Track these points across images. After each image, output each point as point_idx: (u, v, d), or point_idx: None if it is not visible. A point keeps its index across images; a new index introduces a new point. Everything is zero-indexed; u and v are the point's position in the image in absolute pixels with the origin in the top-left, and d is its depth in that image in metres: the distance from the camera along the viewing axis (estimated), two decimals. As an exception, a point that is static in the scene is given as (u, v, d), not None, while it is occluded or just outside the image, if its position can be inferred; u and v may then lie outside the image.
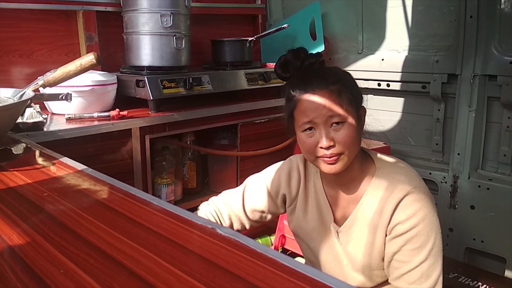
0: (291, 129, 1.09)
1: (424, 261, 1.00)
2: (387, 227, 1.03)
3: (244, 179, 1.29)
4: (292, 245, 2.00)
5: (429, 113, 2.14)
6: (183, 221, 0.66)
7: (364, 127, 1.10)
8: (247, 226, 1.26)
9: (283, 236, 2.05)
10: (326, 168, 1.04)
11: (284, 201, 1.23)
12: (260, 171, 1.29)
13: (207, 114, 1.86)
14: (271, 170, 1.25)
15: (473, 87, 1.91)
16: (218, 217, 1.23)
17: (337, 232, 1.11)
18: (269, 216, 1.26)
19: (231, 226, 1.24)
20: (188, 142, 1.98)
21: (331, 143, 1.00)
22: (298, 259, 1.81)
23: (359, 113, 1.06)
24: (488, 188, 1.90)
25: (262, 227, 2.12)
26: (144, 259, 0.55)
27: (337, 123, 1.00)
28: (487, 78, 1.89)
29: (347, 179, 1.09)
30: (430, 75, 2.05)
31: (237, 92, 2.04)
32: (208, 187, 2.15)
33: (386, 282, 1.09)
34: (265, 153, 2.05)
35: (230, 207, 1.24)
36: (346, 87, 1.03)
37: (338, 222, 1.13)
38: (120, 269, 0.53)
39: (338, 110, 1.00)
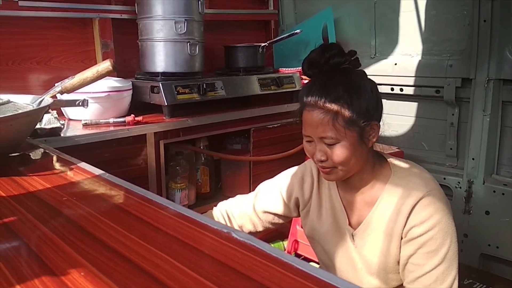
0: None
1: (439, 265, 1.00)
2: (403, 230, 1.03)
3: (257, 184, 1.31)
4: (305, 250, 2.00)
5: (443, 117, 2.12)
6: (199, 225, 0.67)
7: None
8: (259, 228, 1.27)
9: (296, 241, 2.06)
10: (323, 176, 1.10)
11: (297, 205, 1.24)
12: (273, 176, 1.31)
13: (220, 119, 1.87)
14: (285, 174, 1.27)
15: (488, 92, 1.90)
16: (229, 216, 1.26)
17: (352, 235, 1.12)
18: (281, 220, 1.27)
19: (242, 226, 1.26)
20: (202, 147, 2.00)
21: (323, 158, 1.03)
22: (311, 264, 1.81)
23: (365, 130, 1.02)
24: (503, 193, 1.89)
25: (274, 232, 2.12)
26: (162, 262, 0.56)
27: (329, 143, 1.01)
28: (501, 82, 1.88)
29: (360, 183, 1.10)
30: (444, 79, 2.04)
31: (250, 97, 2.06)
32: (221, 191, 2.16)
33: (401, 286, 1.09)
34: (277, 158, 2.06)
35: (243, 208, 1.26)
36: (349, 105, 0.99)
37: (353, 225, 1.13)
38: (139, 272, 0.54)
39: (330, 133, 1.00)
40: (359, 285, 1.01)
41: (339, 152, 1.01)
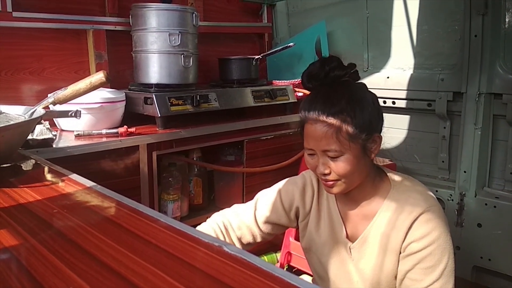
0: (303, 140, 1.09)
1: (436, 281, 1.00)
2: (401, 245, 1.03)
3: (250, 196, 1.29)
4: (298, 262, 1.99)
5: (435, 130, 2.14)
6: (190, 238, 0.66)
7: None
8: (258, 239, 1.24)
9: (289, 253, 2.05)
10: (325, 189, 1.09)
11: (297, 215, 1.23)
12: (266, 187, 1.29)
13: (214, 131, 1.87)
14: (284, 184, 1.26)
15: (479, 105, 1.92)
16: (226, 228, 1.22)
17: (350, 249, 1.11)
18: (280, 230, 1.26)
19: (241, 238, 1.22)
20: (195, 159, 1.99)
21: (327, 171, 1.02)
22: (304, 276, 1.80)
23: (367, 142, 1.02)
24: (495, 206, 1.90)
25: (267, 244, 2.11)
26: (151, 276, 0.56)
27: (333, 156, 1.01)
28: (492, 96, 1.91)
29: (360, 196, 1.10)
30: (436, 93, 2.07)
31: (243, 109, 2.06)
32: (214, 203, 2.16)
33: None
34: (271, 169, 2.06)
35: (241, 218, 1.23)
36: (352, 118, 0.99)
37: (351, 238, 1.13)
38: (128, 286, 0.54)
39: (333, 146, 0.99)
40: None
41: (343, 165, 1.00)
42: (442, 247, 1.01)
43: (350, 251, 1.11)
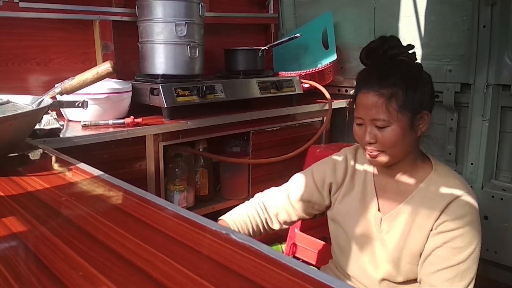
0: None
1: (462, 262, 1.02)
2: (434, 223, 1.05)
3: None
4: (303, 253, 1.99)
5: (442, 122, 2.13)
6: (198, 226, 0.67)
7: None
8: (294, 218, 1.28)
9: (294, 245, 2.05)
10: (369, 160, 1.13)
11: (330, 190, 1.26)
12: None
13: (220, 122, 1.87)
14: (317, 163, 1.31)
15: (487, 97, 1.90)
16: (265, 206, 1.27)
17: (381, 220, 1.14)
18: (315, 209, 1.28)
19: (277, 214, 1.26)
20: (201, 150, 2.00)
21: (372, 141, 1.07)
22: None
23: (416, 118, 1.07)
24: (501, 199, 1.89)
25: (273, 235, 2.11)
26: (160, 263, 0.56)
27: (381, 126, 1.05)
28: (500, 87, 1.89)
29: (399, 171, 1.13)
30: (443, 84, 2.05)
31: (249, 100, 2.06)
32: (220, 194, 2.16)
33: (412, 280, 1.11)
34: (276, 161, 2.06)
35: (276, 197, 1.28)
36: (404, 92, 1.04)
37: (382, 211, 1.15)
38: (137, 272, 0.54)
39: (382, 115, 1.04)
40: (374, 268, 1.02)
41: (389, 135, 1.04)
42: (473, 232, 1.03)
43: (381, 223, 1.14)
